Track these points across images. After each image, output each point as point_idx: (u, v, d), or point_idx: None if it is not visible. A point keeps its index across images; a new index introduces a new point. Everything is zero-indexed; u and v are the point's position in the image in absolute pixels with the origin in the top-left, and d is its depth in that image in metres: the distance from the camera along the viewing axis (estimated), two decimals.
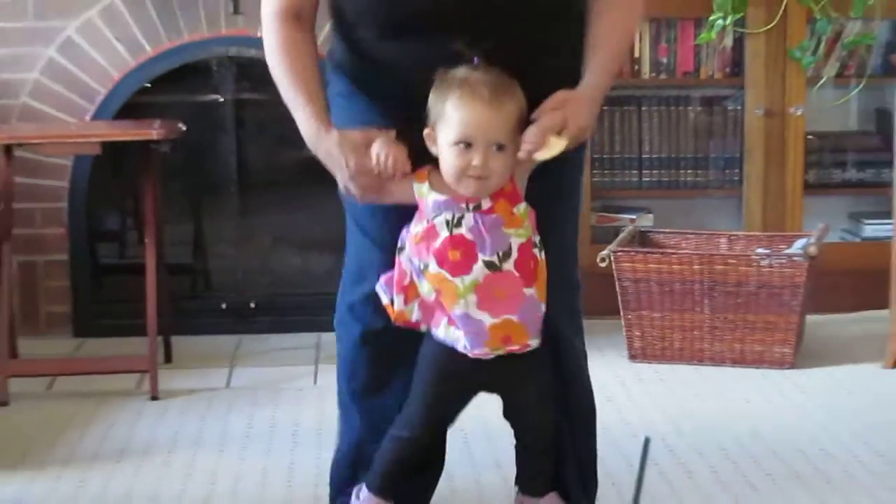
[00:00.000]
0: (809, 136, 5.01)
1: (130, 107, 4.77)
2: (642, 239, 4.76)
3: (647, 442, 2.03)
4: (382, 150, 2.43)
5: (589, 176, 4.95)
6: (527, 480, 2.79)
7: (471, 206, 2.43)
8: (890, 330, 4.33)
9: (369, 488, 2.64)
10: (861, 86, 4.96)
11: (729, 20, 4.77)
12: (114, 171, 4.81)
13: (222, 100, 4.85)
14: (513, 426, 2.72)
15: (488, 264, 2.42)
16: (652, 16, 4.97)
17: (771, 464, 3.50)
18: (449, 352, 2.50)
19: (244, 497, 3.26)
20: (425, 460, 2.84)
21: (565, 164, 2.61)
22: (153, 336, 4.19)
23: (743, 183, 5.03)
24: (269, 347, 4.53)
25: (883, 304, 4.41)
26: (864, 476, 3.40)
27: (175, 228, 4.91)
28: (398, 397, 2.78)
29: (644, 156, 5.04)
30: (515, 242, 2.45)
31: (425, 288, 2.49)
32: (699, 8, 4.83)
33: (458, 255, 2.42)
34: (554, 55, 2.62)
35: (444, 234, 2.43)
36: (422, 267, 2.47)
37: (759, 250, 4.47)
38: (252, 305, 4.87)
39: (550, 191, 2.65)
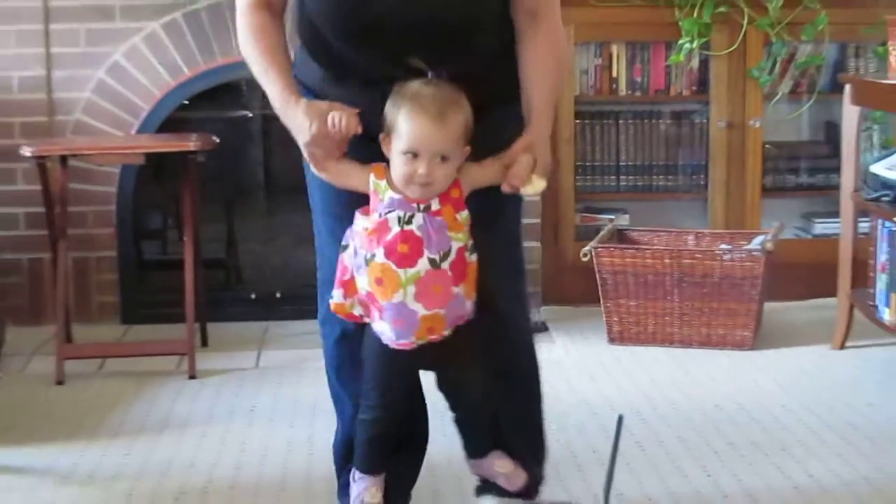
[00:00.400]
0: (766, 146, 5.03)
1: (170, 122, 4.78)
2: (620, 236, 4.77)
3: (620, 419, 2.06)
4: (338, 114, 2.42)
5: (572, 181, 4.97)
6: (467, 444, 2.77)
7: (422, 207, 2.42)
8: (837, 316, 4.36)
9: (358, 469, 2.65)
10: (812, 101, 4.99)
11: (695, 44, 4.82)
12: (156, 178, 4.82)
13: (251, 115, 4.87)
14: (446, 397, 2.70)
15: (431, 261, 2.40)
16: (628, 40, 5.01)
17: (732, 433, 3.51)
18: (382, 343, 2.49)
19: (271, 464, 3.29)
20: (407, 435, 2.83)
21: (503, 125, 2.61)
22: (191, 323, 4.22)
23: (708, 187, 5.04)
24: (293, 332, 4.54)
25: (831, 293, 4.43)
26: (814, 443, 3.43)
27: (210, 228, 4.90)
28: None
29: (621, 163, 5.04)
30: (455, 245, 2.43)
31: (363, 282, 2.46)
32: (669, 33, 4.87)
33: (406, 249, 2.40)
34: (491, 64, 2.61)
35: (396, 228, 2.41)
36: (368, 257, 2.44)
37: (722, 246, 4.51)
38: (278, 295, 4.90)
39: (498, 190, 2.59)
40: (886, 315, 4.09)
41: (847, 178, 4.31)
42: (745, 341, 4.39)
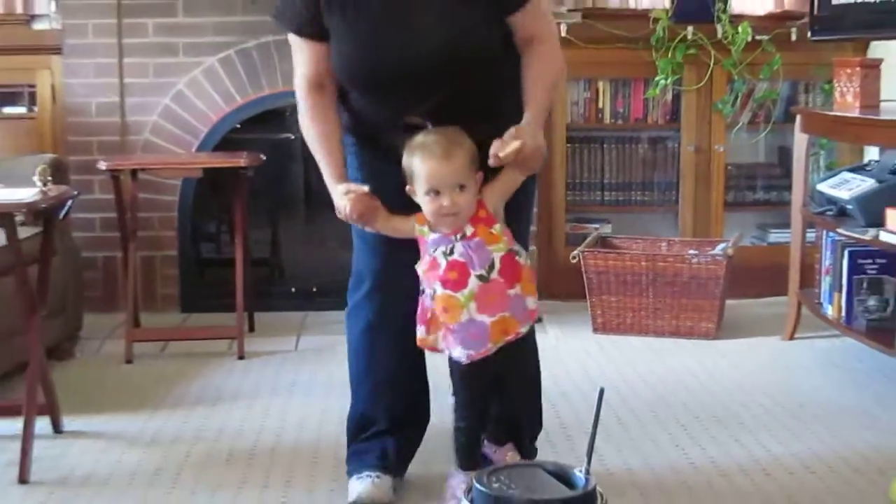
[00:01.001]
0: (728, 167, 5.02)
1: (225, 142, 4.79)
2: (603, 242, 4.76)
3: (601, 392, 2.05)
4: (346, 202, 2.46)
5: (563, 196, 4.97)
6: (496, 431, 2.74)
7: (458, 237, 2.43)
8: (788, 311, 4.37)
9: (461, 468, 2.61)
10: (768, 129, 4.99)
11: (669, 80, 4.83)
12: (212, 190, 4.82)
13: (293, 137, 4.84)
14: (496, 394, 2.67)
15: (479, 277, 2.41)
16: (612, 77, 5.00)
17: (697, 409, 3.53)
18: (463, 364, 2.50)
19: (307, 431, 3.31)
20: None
21: (524, 187, 2.61)
22: (240, 311, 4.23)
23: (678, 201, 5.03)
24: (327, 321, 4.51)
25: (783, 292, 4.43)
26: (766, 418, 3.44)
27: (257, 232, 4.91)
28: (390, 374, 2.82)
29: (605, 181, 5.03)
30: (497, 256, 2.43)
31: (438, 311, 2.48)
32: (647, 71, 4.88)
33: (456, 275, 2.41)
34: (491, 97, 2.62)
35: (444, 262, 2.42)
36: (431, 293, 2.46)
37: (690, 252, 4.50)
38: (314, 289, 4.90)
39: (513, 202, 2.60)
40: (829, 311, 4.08)
41: (797, 195, 4.31)
42: (708, 332, 4.38)
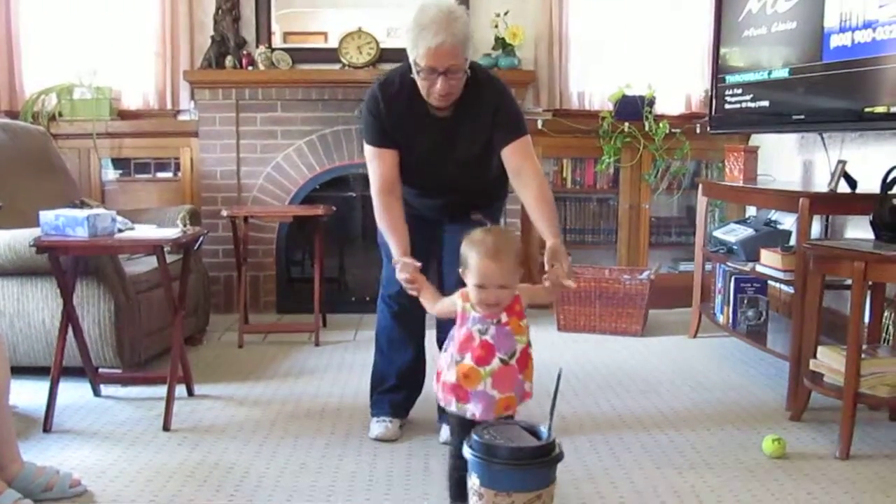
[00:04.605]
0: (652, 219, 5.02)
1: (309, 198, 4.80)
2: None
3: (560, 372, 2.04)
4: (403, 275, 2.36)
5: (538, 237, 4.97)
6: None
7: (494, 322, 2.14)
8: (691, 318, 4.36)
9: (454, 499, 2.24)
10: (679, 194, 5.00)
11: (611, 159, 4.84)
12: (299, 230, 4.84)
13: (355, 195, 4.88)
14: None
15: (502, 360, 2.13)
16: (572, 156, 5.02)
17: (628, 384, 3.52)
18: (466, 418, 2.15)
19: (363, 395, 3.27)
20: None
21: (488, 219, 2.65)
22: (317, 313, 4.24)
23: (617, 242, 5.02)
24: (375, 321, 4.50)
25: (689, 304, 4.43)
26: (675, 390, 3.43)
27: (329, 259, 4.91)
28: (406, 351, 2.91)
29: (568, 227, 5.04)
30: (519, 346, 2.16)
31: (451, 375, 2.17)
32: (596, 152, 4.88)
33: (483, 353, 2.12)
34: (488, 192, 2.79)
35: (477, 339, 2.13)
36: (458, 359, 2.15)
37: (625, 276, 4.50)
38: (367, 298, 4.85)
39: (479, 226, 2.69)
40: (721, 319, 4.08)
41: (699, 239, 4.31)
42: (636, 331, 4.37)
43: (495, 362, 2.13)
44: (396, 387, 2.93)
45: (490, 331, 2.13)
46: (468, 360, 2.13)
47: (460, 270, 2.16)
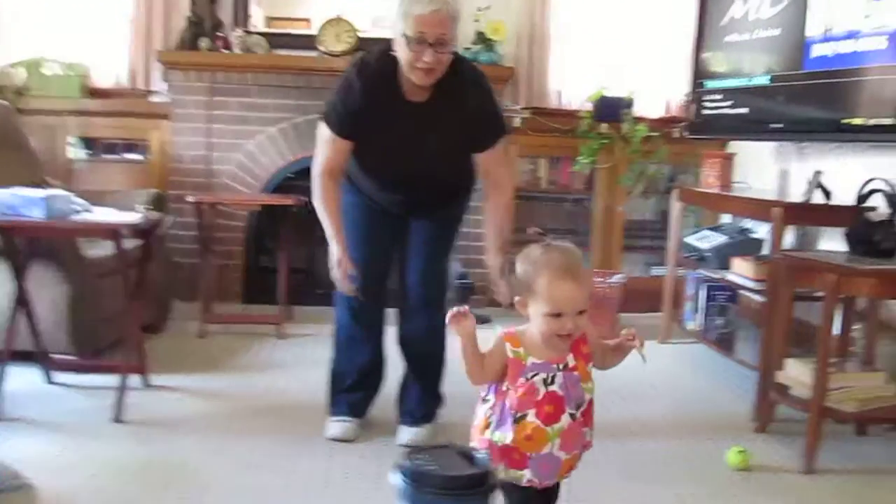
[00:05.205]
0: (626, 222, 4.97)
1: (282, 187, 4.71)
2: None
3: None
4: (340, 271, 2.42)
5: (514, 234, 4.88)
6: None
7: (560, 366, 1.77)
8: (662, 323, 4.32)
9: None
10: (655, 198, 4.97)
11: (588, 161, 4.78)
12: (270, 219, 4.75)
13: None
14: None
15: (571, 415, 1.78)
16: (549, 156, 4.97)
17: (601, 382, 3.45)
18: (520, 486, 1.80)
19: (323, 391, 3.14)
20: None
21: (455, 212, 2.72)
22: (282, 304, 4.17)
23: (591, 244, 4.96)
24: None
25: (659, 309, 4.39)
26: (648, 391, 3.38)
27: (299, 250, 4.78)
28: (366, 349, 2.83)
29: (542, 227, 4.96)
30: (587, 396, 1.81)
31: (504, 436, 1.76)
32: (573, 153, 4.80)
33: (552, 409, 1.75)
34: (455, 189, 2.70)
35: (543, 390, 1.75)
36: (518, 416, 1.75)
37: (597, 279, 4.45)
38: (335, 291, 4.80)
39: (445, 221, 2.69)
40: (691, 325, 4.05)
41: (672, 244, 4.28)
42: (607, 335, 4.26)
43: (565, 419, 1.77)
44: (355, 386, 2.85)
45: (557, 379, 1.77)
46: (532, 419, 1.75)
47: (516, 301, 1.80)
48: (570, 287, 1.73)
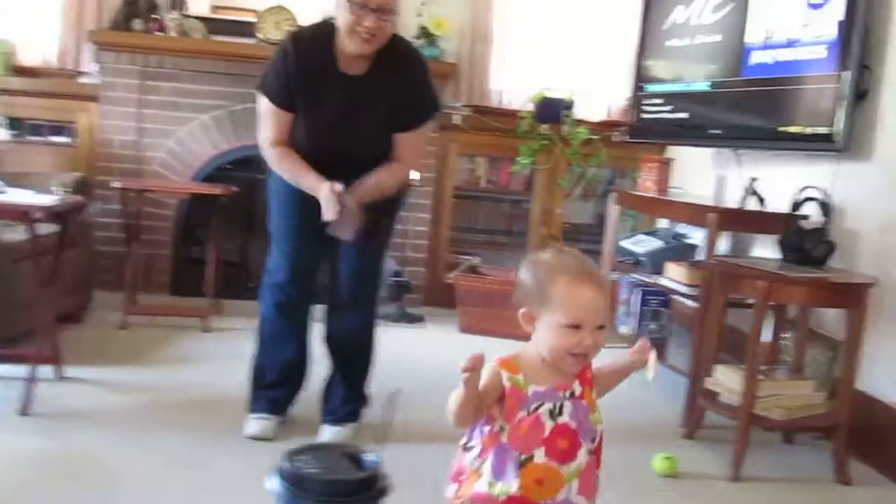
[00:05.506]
0: (564, 224, 4.95)
1: (214, 177, 4.58)
2: (473, 269, 4.64)
3: (397, 391, 1.76)
4: (333, 196, 2.36)
5: (448, 235, 4.87)
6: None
7: (567, 394, 1.47)
8: None
9: None
10: (593, 201, 4.95)
11: (528, 161, 4.74)
12: (202, 209, 4.61)
13: (261, 177, 4.61)
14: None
15: (588, 451, 1.47)
16: (488, 155, 4.93)
17: None
18: None
19: (245, 387, 3.09)
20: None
21: (387, 212, 2.65)
22: (209, 297, 4.06)
23: (528, 244, 4.91)
24: None
25: None
26: None
27: (232, 242, 4.73)
28: (289, 345, 2.74)
29: (479, 227, 4.96)
30: (599, 429, 1.50)
31: (508, 486, 1.42)
32: (512, 153, 4.76)
33: (566, 444, 1.44)
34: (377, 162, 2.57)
35: (550, 423, 1.44)
36: (523, 459, 1.43)
37: None
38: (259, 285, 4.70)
39: (381, 224, 2.60)
40: (623, 329, 4.03)
41: (607, 247, 4.25)
42: None
43: (582, 456, 1.46)
44: (277, 383, 2.75)
45: (566, 409, 1.46)
46: (541, 458, 1.43)
47: (521, 313, 1.49)
48: (592, 293, 1.43)
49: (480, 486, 1.44)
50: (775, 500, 2.56)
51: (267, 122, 2.53)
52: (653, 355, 1.56)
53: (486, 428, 1.47)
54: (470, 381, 1.41)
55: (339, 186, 2.42)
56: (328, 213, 2.41)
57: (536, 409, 1.44)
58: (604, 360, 1.58)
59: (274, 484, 1.54)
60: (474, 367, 1.41)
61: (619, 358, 1.60)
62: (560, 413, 1.45)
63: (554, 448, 1.43)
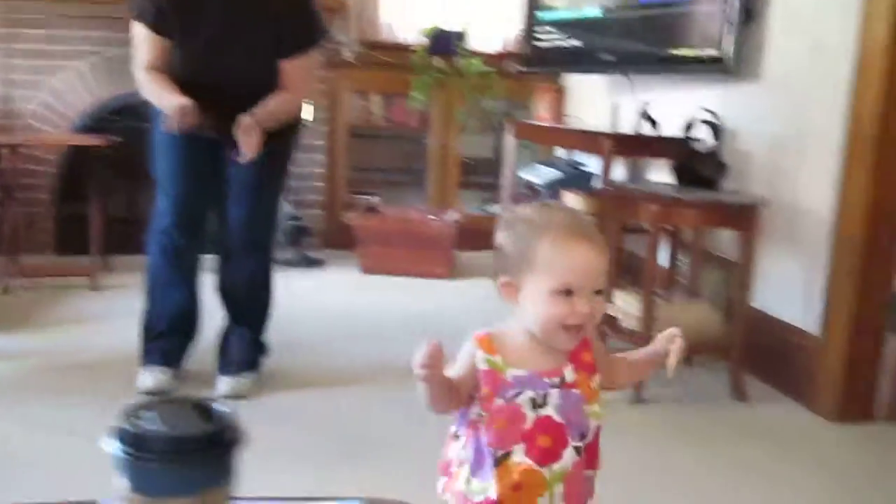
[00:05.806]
0: (462, 159, 4.90)
1: (96, 128, 4.32)
2: (372, 209, 4.57)
3: None
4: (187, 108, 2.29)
5: (345, 175, 4.77)
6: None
7: (557, 381, 1.17)
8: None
9: None
10: (490, 134, 4.91)
11: (422, 96, 4.66)
12: (84, 162, 4.39)
13: (148, 125, 4.42)
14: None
15: (577, 449, 1.18)
16: (382, 91, 4.82)
17: (431, 329, 3.36)
18: None
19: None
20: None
21: (281, 152, 2.57)
22: (95, 255, 3.90)
23: (426, 181, 4.88)
24: None
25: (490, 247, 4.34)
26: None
27: (120, 196, 4.54)
28: (178, 293, 2.65)
29: (377, 166, 4.88)
30: (593, 424, 1.19)
31: (485, 486, 1.17)
32: (407, 88, 4.66)
33: (549, 442, 1.16)
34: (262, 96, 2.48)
35: (531, 415, 1.16)
36: (499, 456, 1.16)
37: (431, 216, 4.37)
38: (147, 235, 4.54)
39: (272, 157, 2.49)
40: None
41: (506, 179, 4.24)
42: (443, 274, 4.25)
43: (568, 455, 1.17)
44: (168, 333, 2.65)
45: (551, 399, 1.17)
46: (520, 457, 1.16)
47: (501, 283, 1.20)
48: (585, 251, 1.15)
49: (461, 482, 1.20)
50: (671, 421, 2.61)
51: (141, 48, 2.48)
52: (676, 346, 1.27)
53: (469, 413, 1.21)
54: (430, 378, 1.15)
55: (189, 103, 2.34)
56: (170, 123, 2.34)
57: (515, 396, 1.17)
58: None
59: (112, 446, 1.35)
60: (433, 364, 1.13)
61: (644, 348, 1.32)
62: (544, 404, 1.17)
63: (534, 446, 1.16)
